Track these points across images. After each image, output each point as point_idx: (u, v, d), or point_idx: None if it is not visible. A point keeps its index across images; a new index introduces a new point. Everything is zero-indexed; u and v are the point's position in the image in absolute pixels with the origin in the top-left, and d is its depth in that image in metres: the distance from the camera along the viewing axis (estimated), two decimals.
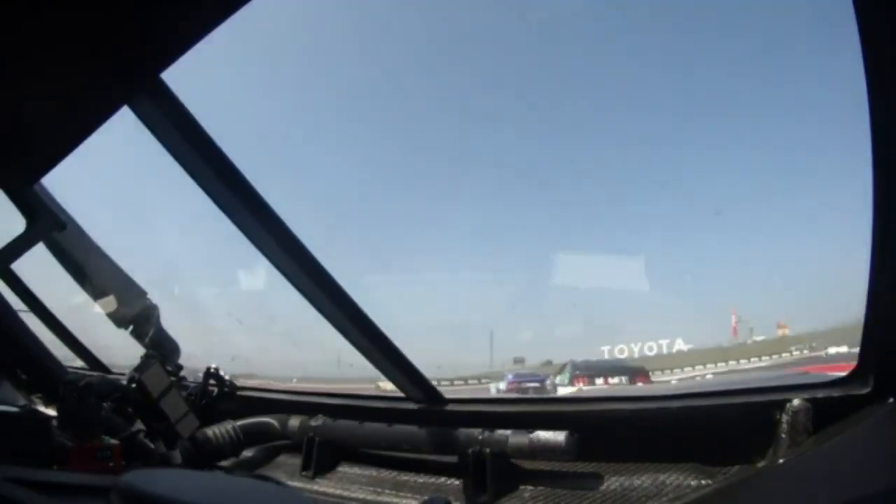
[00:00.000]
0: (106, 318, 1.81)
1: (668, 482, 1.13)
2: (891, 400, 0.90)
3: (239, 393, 1.85)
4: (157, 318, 1.82)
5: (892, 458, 0.77)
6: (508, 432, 1.29)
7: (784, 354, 8.76)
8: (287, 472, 1.61)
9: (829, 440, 0.88)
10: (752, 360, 9.16)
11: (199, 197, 1.31)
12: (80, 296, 1.83)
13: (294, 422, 1.67)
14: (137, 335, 1.80)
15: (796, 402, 1.04)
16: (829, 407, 1.00)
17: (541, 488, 1.25)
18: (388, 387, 1.63)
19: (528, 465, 1.30)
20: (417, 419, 1.47)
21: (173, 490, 0.50)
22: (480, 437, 1.31)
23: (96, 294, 1.81)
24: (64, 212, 1.72)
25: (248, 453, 1.74)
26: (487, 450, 1.29)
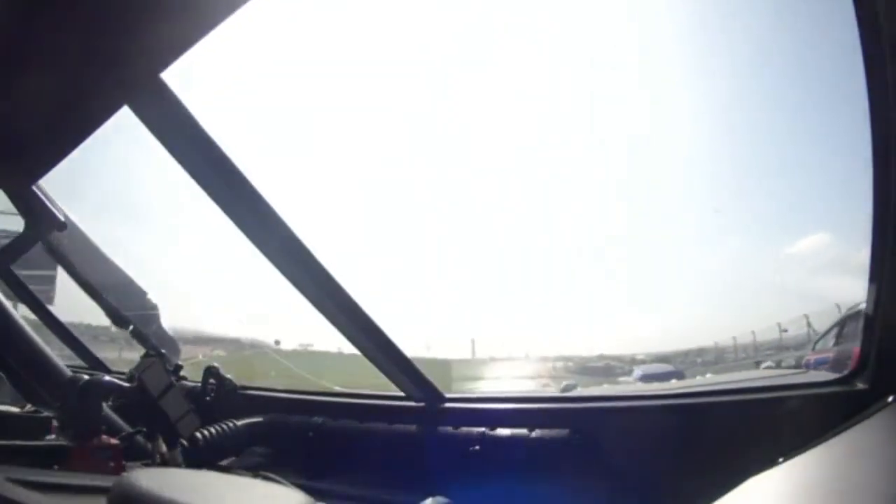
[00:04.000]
0: (106, 318, 1.82)
1: (667, 481, 1.13)
2: (891, 399, 0.90)
3: (239, 392, 1.85)
4: (157, 317, 1.83)
5: (893, 458, 0.77)
6: (509, 431, 1.29)
7: None
8: (287, 471, 1.61)
9: (829, 440, 0.88)
10: None
11: (200, 197, 1.31)
12: (80, 295, 1.83)
13: (294, 421, 1.67)
14: (137, 335, 1.80)
15: (796, 401, 1.04)
16: (829, 406, 1.00)
17: (541, 487, 1.26)
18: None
19: (528, 463, 1.30)
20: (417, 419, 1.47)
21: (173, 490, 0.50)
22: (481, 436, 1.31)
23: (96, 294, 1.81)
24: (63, 212, 1.72)
25: (248, 453, 1.74)
26: (488, 448, 1.29)
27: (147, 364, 1.46)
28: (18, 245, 1.72)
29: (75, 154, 1.29)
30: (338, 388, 1.95)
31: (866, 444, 0.85)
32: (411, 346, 1.50)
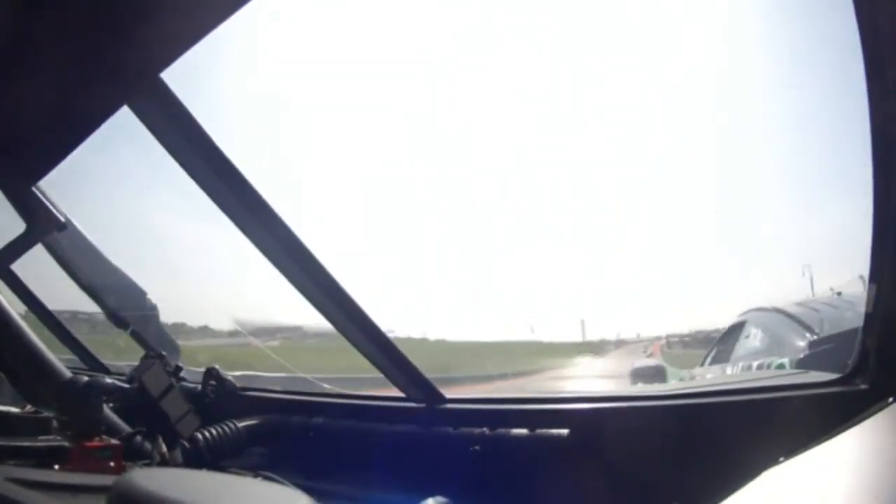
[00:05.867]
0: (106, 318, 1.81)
1: (667, 482, 1.13)
2: (890, 400, 0.90)
3: (239, 392, 1.85)
4: (157, 317, 1.83)
5: (892, 458, 0.77)
6: (509, 431, 1.29)
7: None
8: (287, 471, 1.61)
9: (829, 440, 0.88)
10: None
11: (200, 198, 1.31)
12: (80, 296, 1.83)
13: (294, 422, 1.67)
14: (137, 335, 1.80)
15: (796, 401, 1.04)
16: (829, 407, 1.00)
17: (541, 487, 1.26)
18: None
19: (528, 463, 1.30)
20: (417, 419, 1.47)
21: (173, 490, 0.50)
22: (481, 436, 1.31)
23: (96, 295, 1.81)
24: (63, 213, 1.72)
25: (248, 453, 1.74)
26: (488, 448, 1.29)
27: (147, 364, 1.46)
28: (18, 245, 1.72)
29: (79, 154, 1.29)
30: (341, 389, 1.95)
31: (866, 445, 0.85)
32: (518, 330, 1.48)
